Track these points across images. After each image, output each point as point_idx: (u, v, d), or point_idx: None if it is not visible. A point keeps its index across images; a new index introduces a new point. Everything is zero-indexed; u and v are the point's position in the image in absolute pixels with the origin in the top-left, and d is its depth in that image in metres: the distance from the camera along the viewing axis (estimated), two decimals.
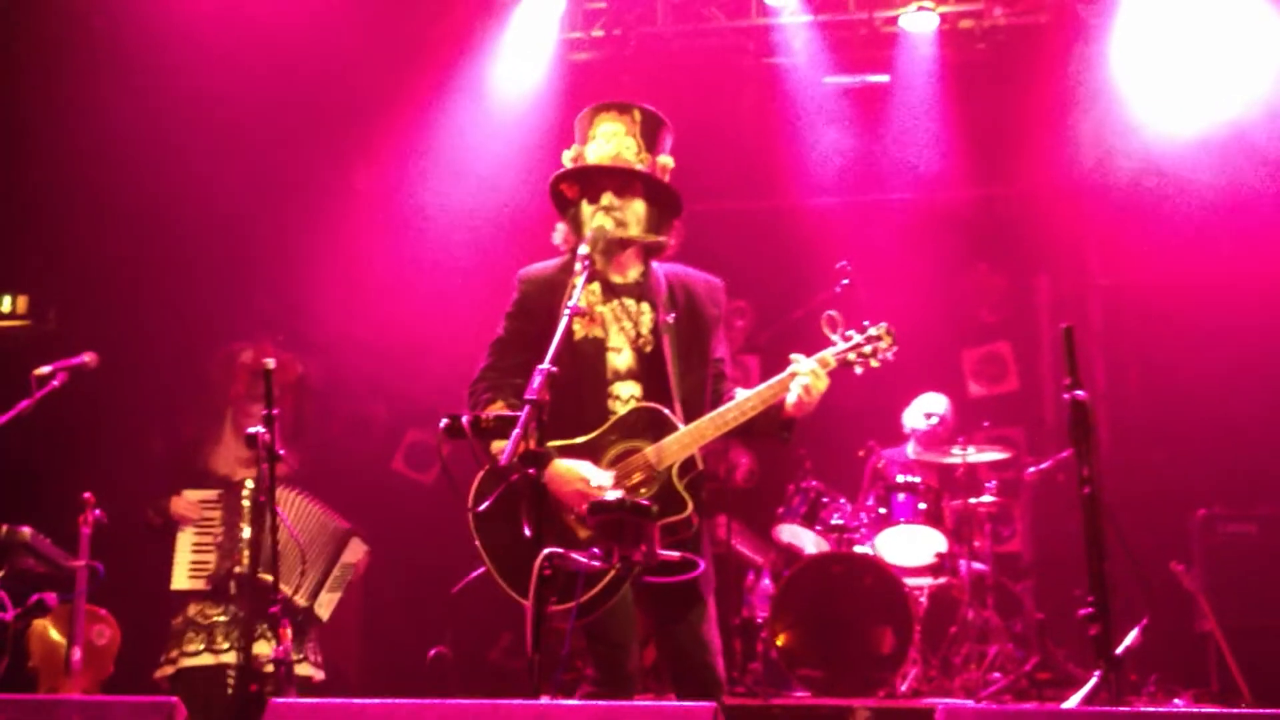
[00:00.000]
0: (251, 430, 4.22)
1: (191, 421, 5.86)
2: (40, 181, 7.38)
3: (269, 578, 5.31)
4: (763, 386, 4.05)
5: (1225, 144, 7.60)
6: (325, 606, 5.67)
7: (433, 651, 7.31)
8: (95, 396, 5.77)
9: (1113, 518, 3.74)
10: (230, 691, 5.40)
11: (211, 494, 5.60)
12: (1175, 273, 7.93)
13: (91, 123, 7.20)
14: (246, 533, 5.50)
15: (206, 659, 5.46)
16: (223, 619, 5.51)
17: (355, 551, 5.82)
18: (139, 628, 5.81)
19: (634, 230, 4.16)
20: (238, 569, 5.48)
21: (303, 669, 5.56)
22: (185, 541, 5.56)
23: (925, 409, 7.98)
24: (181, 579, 5.52)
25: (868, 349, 4.10)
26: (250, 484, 5.57)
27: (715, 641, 4.10)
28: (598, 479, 3.93)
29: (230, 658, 5.44)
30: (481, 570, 4.05)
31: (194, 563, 5.53)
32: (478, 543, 4.01)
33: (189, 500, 5.57)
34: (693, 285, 4.30)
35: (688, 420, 4.04)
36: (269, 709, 2.96)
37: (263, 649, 5.40)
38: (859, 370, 4.11)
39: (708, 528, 4.28)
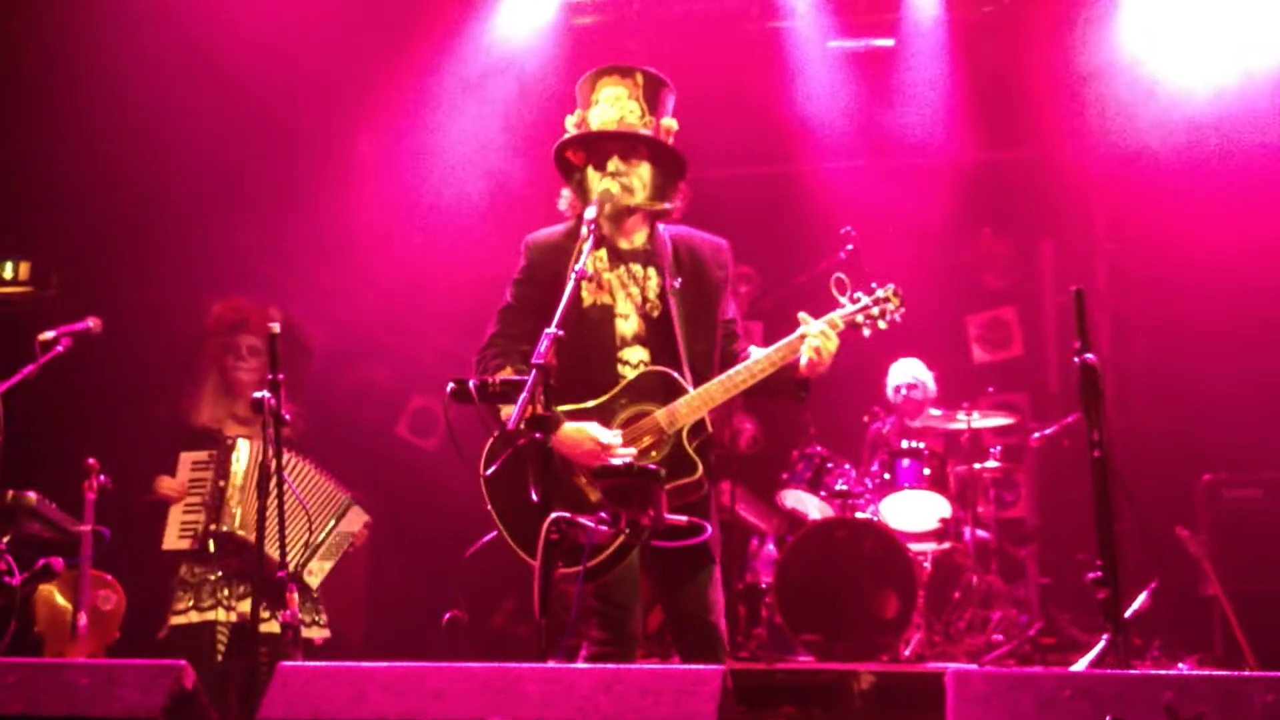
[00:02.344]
0: (257, 395, 4.19)
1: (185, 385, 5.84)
2: (41, 148, 7.33)
3: (249, 537, 5.32)
4: (772, 349, 4.05)
5: (1235, 106, 7.55)
6: (315, 574, 5.57)
7: (447, 615, 7.33)
8: (99, 361, 5.76)
9: (1122, 482, 3.74)
10: (219, 650, 5.38)
11: (203, 455, 5.58)
12: (1181, 237, 7.90)
13: (92, 87, 7.16)
14: (230, 491, 5.46)
15: (192, 617, 5.42)
16: (210, 577, 5.46)
17: (354, 521, 5.72)
18: (144, 593, 5.81)
19: (640, 196, 4.15)
20: (213, 526, 5.42)
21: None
22: (179, 503, 5.55)
23: (897, 381, 7.92)
24: (171, 539, 5.50)
25: (875, 310, 4.11)
26: (243, 443, 5.54)
27: (719, 603, 4.11)
28: (606, 438, 3.94)
29: (216, 615, 5.41)
30: (493, 535, 4.05)
31: (184, 523, 5.50)
32: (489, 507, 4.02)
33: (170, 481, 5.55)
34: (698, 248, 4.29)
35: (696, 384, 4.04)
36: (277, 672, 2.96)
37: (249, 607, 5.43)
38: (866, 332, 4.12)
39: (714, 493, 4.28)
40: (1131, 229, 8.54)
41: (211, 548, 5.43)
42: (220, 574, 5.47)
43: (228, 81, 7.27)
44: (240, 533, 5.39)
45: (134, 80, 7.12)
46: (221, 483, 5.48)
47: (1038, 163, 8.82)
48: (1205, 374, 7.75)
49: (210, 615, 5.41)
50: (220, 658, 5.37)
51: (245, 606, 5.42)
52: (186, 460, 5.59)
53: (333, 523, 5.64)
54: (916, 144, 8.62)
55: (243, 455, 5.52)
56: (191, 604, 5.43)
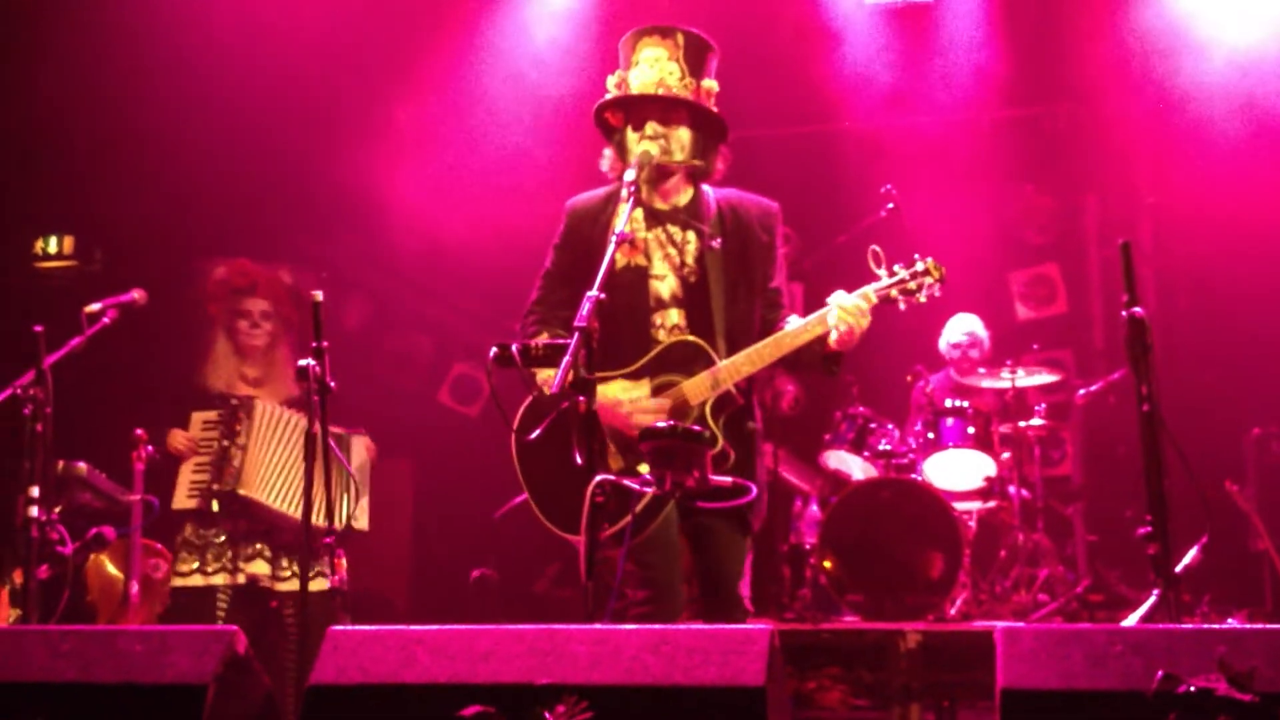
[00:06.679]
0: (302, 363, 4.19)
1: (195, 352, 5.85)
2: (83, 123, 7.39)
3: (253, 495, 5.37)
4: (801, 323, 3.98)
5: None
6: (361, 515, 5.51)
7: (476, 572, 7.36)
8: (145, 333, 5.81)
9: (1171, 435, 3.70)
10: (220, 614, 5.39)
11: (213, 414, 5.60)
12: (1225, 190, 7.79)
13: (133, 62, 7.19)
14: (234, 451, 5.47)
15: (197, 580, 5.43)
16: (216, 540, 5.47)
17: (360, 451, 5.68)
18: None
19: (678, 158, 4.11)
20: (216, 485, 5.42)
21: (320, 583, 5.17)
22: (189, 463, 5.58)
23: (953, 337, 7.88)
24: (180, 499, 5.50)
25: (912, 285, 3.95)
26: (251, 403, 5.57)
27: (745, 571, 4.07)
28: (631, 393, 3.92)
29: (219, 579, 5.43)
30: (524, 497, 4.06)
31: (192, 482, 5.50)
32: (520, 476, 4.03)
33: (182, 435, 5.56)
34: (744, 210, 4.22)
35: (732, 350, 4.01)
36: (327, 636, 2.98)
37: (259, 569, 5.47)
38: (902, 306, 3.98)
39: (759, 463, 4.20)
40: (1176, 182, 8.42)
41: (216, 507, 5.44)
42: (225, 536, 5.48)
43: (268, 54, 7.28)
44: (242, 491, 5.40)
45: (174, 54, 7.15)
46: (226, 442, 5.50)
47: (1080, 116, 8.72)
48: (1252, 327, 7.67)
49: (215, 579, 5.42)
50: (220, 622, 5.36)
51: (253, 568, 5.45)
52: (198, 420, 5.59)
53: (353, 463, 5.61)
54: (957, 99, 8.51)
55: (250, 414, 5.55)
56: (197, 566, 5.44)
